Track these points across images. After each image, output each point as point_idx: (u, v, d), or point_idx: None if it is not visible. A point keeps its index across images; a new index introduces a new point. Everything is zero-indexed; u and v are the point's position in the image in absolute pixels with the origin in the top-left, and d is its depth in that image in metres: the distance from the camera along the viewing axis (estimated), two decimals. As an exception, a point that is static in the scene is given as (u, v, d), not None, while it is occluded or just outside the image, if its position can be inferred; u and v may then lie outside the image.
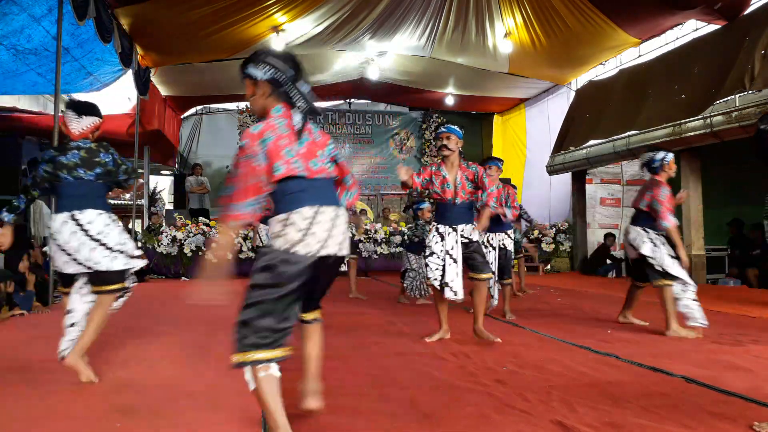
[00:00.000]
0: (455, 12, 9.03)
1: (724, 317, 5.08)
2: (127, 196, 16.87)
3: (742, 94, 6.93)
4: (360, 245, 9.77)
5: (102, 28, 6.64)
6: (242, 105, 13.45)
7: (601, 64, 10.61)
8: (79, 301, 2.99)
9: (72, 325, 2.96)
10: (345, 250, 2.13)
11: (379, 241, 10.35)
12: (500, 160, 5.39)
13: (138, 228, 11.11)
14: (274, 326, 1.95)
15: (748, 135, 6.57)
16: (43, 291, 5.86)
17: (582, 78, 11.35)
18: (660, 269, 4.22)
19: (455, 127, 4.04)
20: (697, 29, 8.66)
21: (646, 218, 4.36)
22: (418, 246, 5.85)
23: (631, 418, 2.33)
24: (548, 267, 11.24)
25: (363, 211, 12.31)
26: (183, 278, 9.61)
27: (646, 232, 4.33)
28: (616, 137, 9.14)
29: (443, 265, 3.90)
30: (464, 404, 2.54)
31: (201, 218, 10.04)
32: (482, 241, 4.91)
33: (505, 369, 3.18)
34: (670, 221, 4.20)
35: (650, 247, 4.28)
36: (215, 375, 3.04)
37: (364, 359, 3.47)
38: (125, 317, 4.99)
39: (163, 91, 11.02)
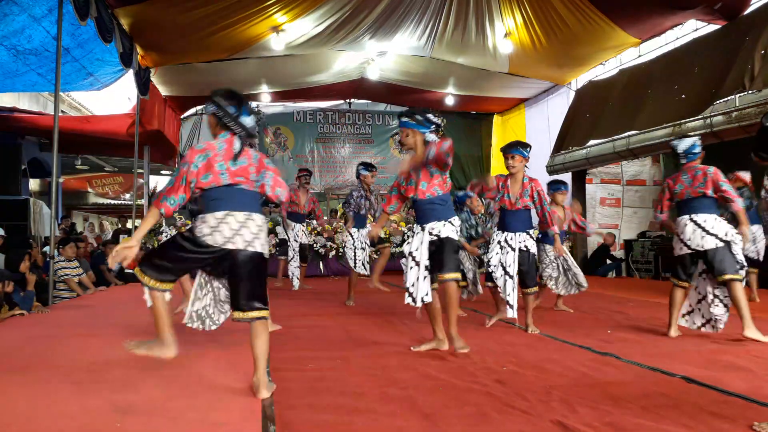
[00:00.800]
0: (455, 12, 9.01)
1: (724, 317, 5.07)
2: (127, 195, 16.87)
3: (742, 94, 6.92)
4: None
5: (103, 28, 6.63)
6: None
7: (601, 64, 10.59)
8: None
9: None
10: (257, 248, 2.67)
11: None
12: (526, 145, 4.44)
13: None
14: (171, 269, 2.77)
15: (748, 135, 6.57)
16: (43, 291, 5.86)
17: (582, 78, 11.33)
18: (740, 259, 3.98)
19: (410, 121, 3.58)
20: (697, 29, 8.65)
21: (713, 204, 4.04)
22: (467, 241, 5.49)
23: (631, 418, 2.33)
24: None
25: None
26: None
27: (722, 218, 4.07)
28: (616, 137, 9.13)
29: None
30: (464, 404, 2.54)
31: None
32: (500, 241, 4.44)
33: (505, 369, 3.18)
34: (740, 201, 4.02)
35: (733, 233, 4.02)
36: (214, 375, 3.04)
37: (364, 359, 3.47)
38: (125, 317, 5.00)
39: (163, 91, 11.01)
